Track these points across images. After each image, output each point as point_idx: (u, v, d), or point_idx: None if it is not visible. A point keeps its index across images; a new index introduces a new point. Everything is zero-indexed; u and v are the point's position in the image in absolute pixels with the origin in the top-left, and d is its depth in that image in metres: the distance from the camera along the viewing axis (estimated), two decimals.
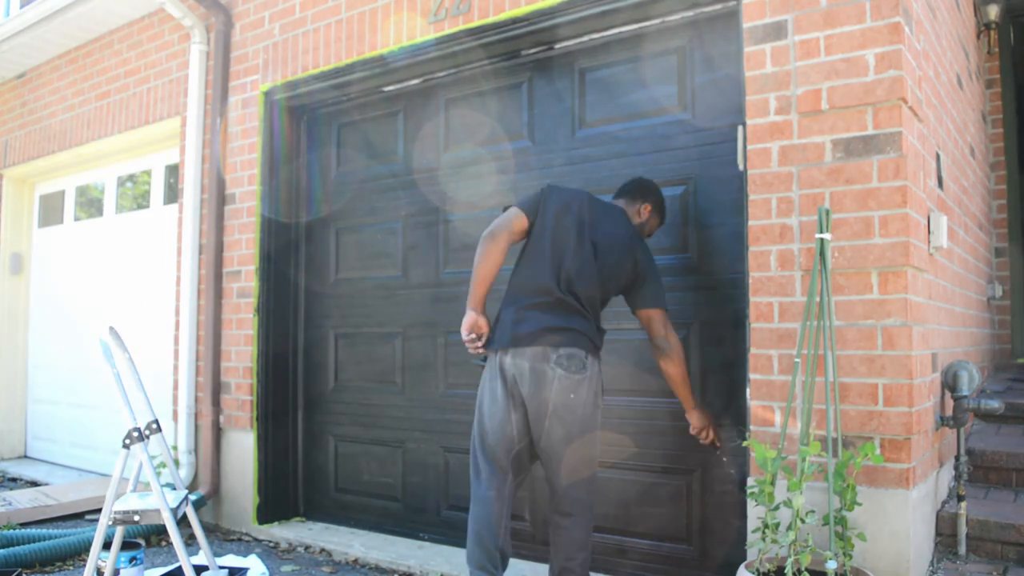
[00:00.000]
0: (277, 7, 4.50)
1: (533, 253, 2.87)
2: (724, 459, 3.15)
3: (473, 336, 2.86)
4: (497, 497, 2.79)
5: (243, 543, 4.24)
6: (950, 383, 3.09)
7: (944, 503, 3.12)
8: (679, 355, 2.92)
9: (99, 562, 3.03)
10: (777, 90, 2.85)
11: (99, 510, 4.79)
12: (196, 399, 4.70)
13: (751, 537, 2.70)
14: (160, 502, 2.91)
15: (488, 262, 2.82)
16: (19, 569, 3.58)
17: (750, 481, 2.79)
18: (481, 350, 2.88)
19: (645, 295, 2.90)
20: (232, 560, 3.77)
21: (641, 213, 3.06)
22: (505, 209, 2.94)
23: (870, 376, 2.64)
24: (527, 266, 2.88)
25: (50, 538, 3.91)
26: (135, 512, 2.91)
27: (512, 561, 3.63)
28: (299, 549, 4.10)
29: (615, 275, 2.87)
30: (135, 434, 2.97)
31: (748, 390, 2.89)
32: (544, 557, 3.61)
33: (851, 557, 2.45)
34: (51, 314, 6.53)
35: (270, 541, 4.25)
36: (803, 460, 2.45)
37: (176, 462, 4.65)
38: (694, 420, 3.03)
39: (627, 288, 2.92)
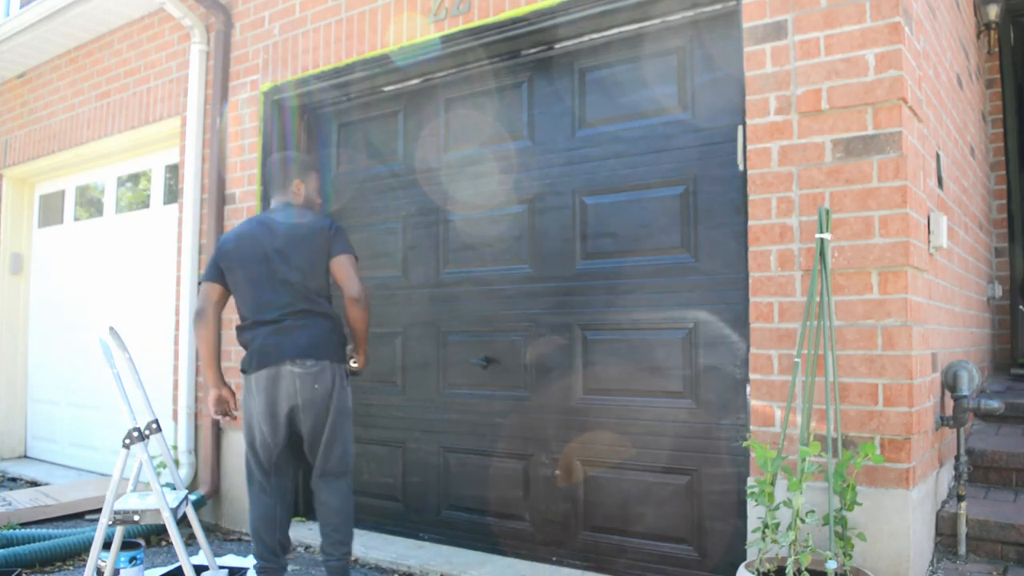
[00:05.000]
0: (277, 7, 4.50)
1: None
2: (724, 459, 3.15)
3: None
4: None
5: (243, 543, 4.24)
6: (950, 383, 3.09)
7: (944, 503, 3.12)
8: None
9: (99, 562, 3.03)
10: (777, 90, 2.85)
11: (99, 510, 4.78)
12: (196, 399, 4.70)
13: (751, 537, 2.70)
14: (160, 502, 2.91)
15: (200, 340, 3.27)
16: (19, 569, 3.58)
17: (750, 481, 2.79)
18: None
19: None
20: (232, 560, 3.77)
21: (297, 193, 3.31)
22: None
23: (870, 376, 2.64)
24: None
25: (50, 538, 3.91)
26: (135, 512, 2.91)
27: (511, 561, 3.65)
28: (299, 549, 4.10)
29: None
30: (135, 434, 2.97)
31: (748, 390, 2.89)
32: (543, 557, 3.62)
33: (851, 557, 2.46)
34: (51, 314, 6.53)
35: None
36: (803, 460, 2.45)
37: (176, 462, 4.65)
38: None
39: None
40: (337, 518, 3.12)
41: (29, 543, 3.86)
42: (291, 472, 3.24)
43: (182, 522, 4.44)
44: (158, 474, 4.69)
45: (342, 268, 3.14)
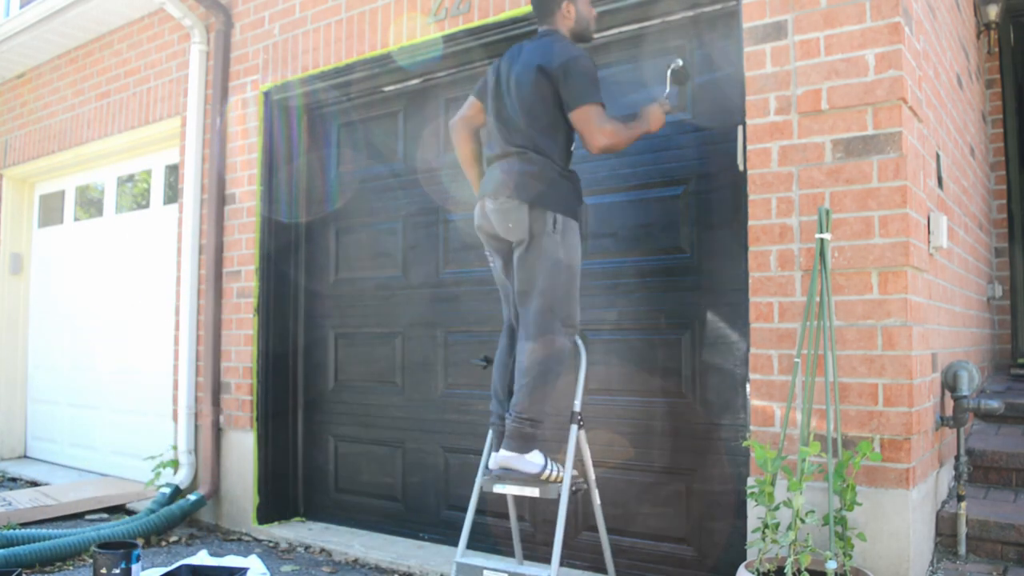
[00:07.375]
0: (277, 7, 4.50)
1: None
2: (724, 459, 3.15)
3: None
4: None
5: (243, 543, 4.24)
6: (950, 383, 3.09)
7: (944, 503, 3.12)
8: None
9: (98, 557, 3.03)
10: (777, 90, 2.85)
11: (99, 510, 4.80)
12: (196, 399, 4.69)
13: (751, 537, 2.70)
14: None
15: (459, 152, 3.17)
16: (19, 569, 3.58)
17: (750, 481, 2.79)
18: None
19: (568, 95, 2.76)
20: (232, 560, 3.77)
21: (568, 14, 2.94)
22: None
23: (870, 376, 2.64)
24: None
25: (50, 538, 3.91)
26: None
27: (511, 561, 3.64)
28: (299, 549, 4.10)
29: (532, 98, 2.81)
30: None
31: (748, 390, 2.89)
32: (543, 557, 3.61)
33: (851, 557, 2.45)
34: (51, 314, 6.53)
35: (270, 541, 4.25)
36: (803, 460, 2.45)
37: (176, 462, 4.66)
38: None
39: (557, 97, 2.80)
40: (521, 379, 2.82)
41: (29, 543, 3.85)
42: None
43: (182, 522, 4.46)
44: (158, 475, 4.71)
45: (580, 123, 2.74)
